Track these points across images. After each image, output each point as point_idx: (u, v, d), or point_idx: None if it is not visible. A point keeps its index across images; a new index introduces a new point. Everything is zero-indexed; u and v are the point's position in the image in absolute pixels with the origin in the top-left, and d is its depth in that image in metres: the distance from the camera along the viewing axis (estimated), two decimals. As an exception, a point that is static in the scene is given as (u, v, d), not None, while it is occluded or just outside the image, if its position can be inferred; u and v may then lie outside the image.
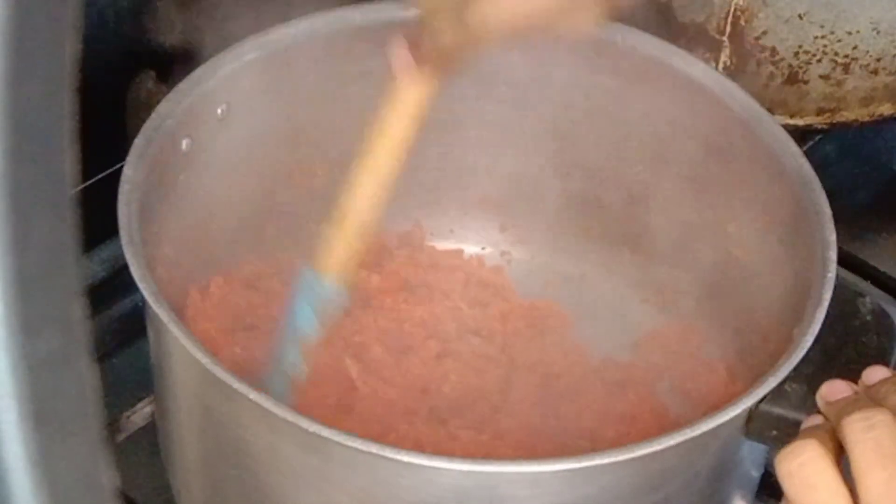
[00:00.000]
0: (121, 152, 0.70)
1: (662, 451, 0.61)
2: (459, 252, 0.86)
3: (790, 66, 0.91)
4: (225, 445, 0.67)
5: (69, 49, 0.31)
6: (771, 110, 0.79)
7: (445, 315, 0.82)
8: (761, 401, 0.65)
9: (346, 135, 0.82)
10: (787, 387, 0.65)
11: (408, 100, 0.67)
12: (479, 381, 0.79)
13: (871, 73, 0.92)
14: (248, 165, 0.79)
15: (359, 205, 0.69)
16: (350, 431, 0.60)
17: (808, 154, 0.75)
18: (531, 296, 0.84)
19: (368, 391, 0.76)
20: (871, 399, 0.62)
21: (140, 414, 0.82)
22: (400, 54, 0.66)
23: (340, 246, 0.70)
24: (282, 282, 0.81)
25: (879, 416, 0.59)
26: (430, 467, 0.61)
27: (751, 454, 0.69)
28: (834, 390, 0.64)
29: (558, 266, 0.86)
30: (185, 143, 0.74)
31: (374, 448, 0.59)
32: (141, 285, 0.64)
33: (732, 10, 0.89)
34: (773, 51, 0.90)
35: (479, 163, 0.86)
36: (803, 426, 0.63)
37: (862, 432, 0.59)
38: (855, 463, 0.58)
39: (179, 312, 0.67)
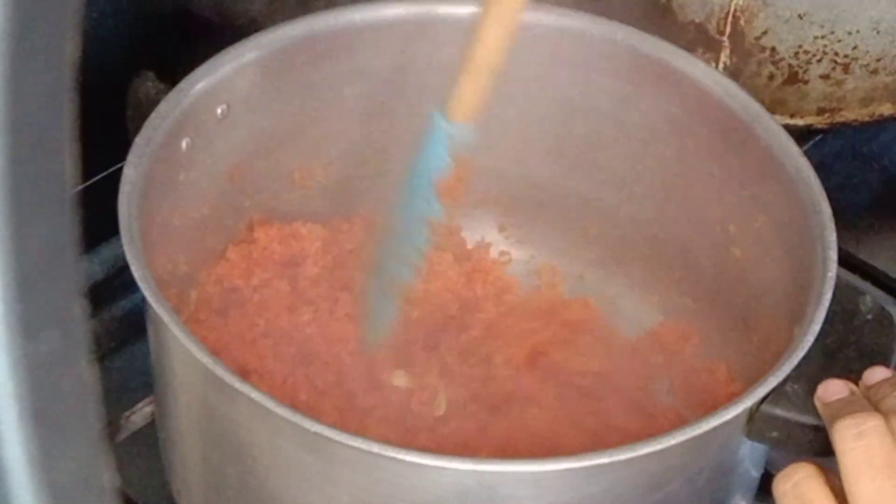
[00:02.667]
0: (121, 152, 0.70)
1: (663, 450, 0.61)
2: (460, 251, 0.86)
3: (790, 66, 0.91)
4: (225, 445, 0.67)
5: (69, 49, 0.31)
6: (771, 110, 0.79)
7: (445, 314, 0.82)
8: (762, 401, 0.65)
9: (345, 135, 0.83)
10: (787, 387, 0.65)
11: None
12: (479, 379, 0.79)
13: (871, 73, 0.92)
14: (248, 165, 0.79)
15: (485, 47, 0.70)
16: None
17: (808, 154, 0.75)
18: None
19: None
20: (869, 400, 0.62)
21: (140, 414, 0.82)
22: None
23: (469, 89, 0.71)
24: (281, 280, 0.81)
25: (870, 423, 0.59)
26: (431, 467, 0.61)
27: (751, 454, 0.69)
28: (830, 391, 0.64)
29: (558, 266, 0.86)
30: (185, 143, 0.74)
31: (375, 448, 0.59)
32: (141, 285, 0.64)
33: (732, 10, 0.89)
34: (773, 51, 0.90)
35: (479, 163, 0.86)
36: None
37: (852, 440, 0.59)
38: (844, 471, 0.58)
39: (179, 312, 0.67)
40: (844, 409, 0.62)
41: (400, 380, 0.77)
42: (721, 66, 0.91)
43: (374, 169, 0.85)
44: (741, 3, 0.89)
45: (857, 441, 0.59)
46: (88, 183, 0.73)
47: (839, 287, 0.68)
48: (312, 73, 0.79)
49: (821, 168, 0.74)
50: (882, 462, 0.58)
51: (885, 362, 0.67)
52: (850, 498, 0.58)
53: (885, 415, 0.60)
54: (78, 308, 0.33)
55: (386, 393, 0.76)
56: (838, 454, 0.59)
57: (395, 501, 0.63)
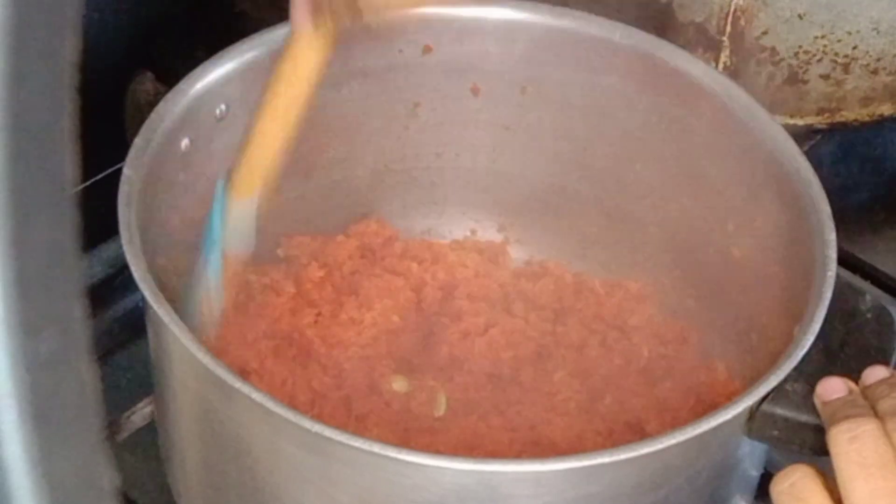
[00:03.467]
0: (121, 152, 0.70)
1: (663, 450, 0.61)
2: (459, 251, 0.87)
3: (790, 66, 0.91)
4: (225, 445, 0.67)
5: (69, 49, 0.31)
6: (771, 110, 0.79)
7: (445, 314, 0.82)
8: (762, 400, 0.65)
9: (345, 134, 0.83)
10: (787, 386, 0.65)
11: (302, 59, 0.69)
12: (479, 379, 0.79)
13: (871, 73, 0.92)
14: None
15: (262, 149, 0.71)
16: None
17: (808, 154, 0.75)
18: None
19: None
20: (867, 399, 0.63)
21: (140, 414, 0.82)
22: (298, 11, 0.67)
23: (251, 165, 0.72)
24: (280, 279, 0.81)
25: (864, 427, 0.60)
26: (431, 466, 0.61)
27: (751, 454, 0.69)
28: (829, 389, 0.64)
29: (558, 266, 0.86)
30: (184, 143, 0.74)
31: (375, 448, 0.59)
32: (141, 285, 0.64)
33: (732, 10, 0.89)
34: (773, 51, 0.90)
35: (479, 163, 0.86)
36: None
37: (846, 444, 0.59)
38: (839, 474, 0.59)
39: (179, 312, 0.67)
40: (842, 409, 0.62)
41: (400, 385, 0.77)
42: (721, 66, 0.91)
43: (373, 169, 0.85)
44: (741, 3, 0.89)
45: (850, 444, 0.59)
46: (88, 183, 0.73)
47: (839, 286, 0.68)
48: (312, 73, 0.79)
49: (821, 168, 0.74)
50: (875, 463, 0.59)
51: (885, 361, 0.67)
52: (845, 499, 0.59)
53: (881, 416, 0.61)
54: (78, 308, 0.33)
55: (385, 398, 0.76)
56: (833, 457, 0.60)
57: (396, 501, 0.63)
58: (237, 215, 0.73)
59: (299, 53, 0.69)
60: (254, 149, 0.71)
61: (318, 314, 0.79)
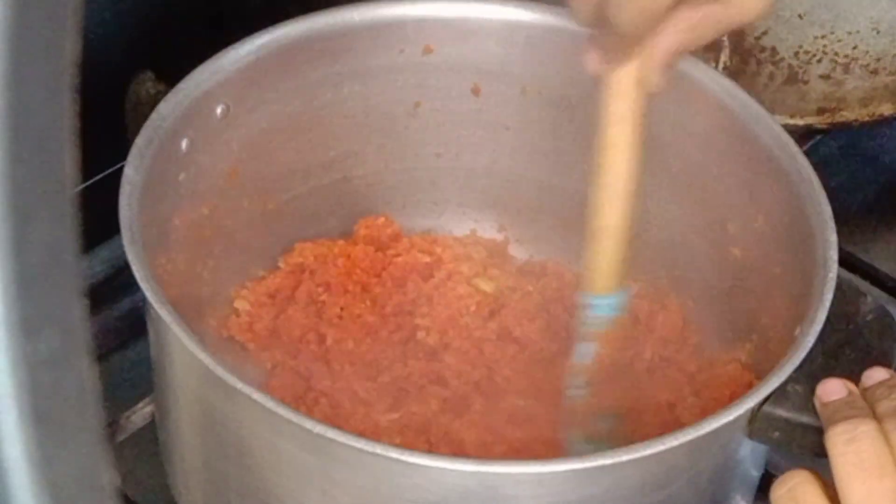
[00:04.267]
0: (121, 152, 0.70)
1: (665, 451, 0.61)
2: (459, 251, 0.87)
3: (790, 66, 0.91)
4: (226, 445, 0.67)
5: (69, 49, 0.31)
6: (771, 110, 0.79)
7: (449, 309, 0.82)
8: (764, 401, 0.65)
9: (345, 134, 0.83)
10: (788, 387, 0.65)
11: (617, 102, 0.68)
12: (480, 379, 0.79)
13: (871, 73, 0.92)
14: (248, 165, 0.79)
15: (609, 218, 0.70)
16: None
17: (808, 154, 0.75)
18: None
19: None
20: (867, 401, 0.63)
21: (140, 414, 0.82)
22: (590, 58, 0.67)
23: (604, 261, 0.71)
24: (282, 282, 0.81)
25: (862, 428, 0.60)
26: (433, 467, 0.61)
27: (752, 455, 0.69)
28: (829, 390, 0.64)
29: (558, 266, 0.86)
30: (184, 143, 0.74)
31: (377, 448, 0.59)
32: (142, 285, 0.64)
33: (732, 9, 0.89)
34: (773, 51, 0.90)
35: (479, 163, 0.86)
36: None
37: (843, 445, 0.60)
38: (836, 476, 0.59)
39: (179, 312, 0.67)
40: (840, 411, 0.62)
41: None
42: (721, 66, 0.91)
43: (374, 169, 0.85)
44: (741, 2, 0.89)
45: (848, 446, 0.59)
46: (88, 183, 0.73)
47: (840, 287, 0.68)
48: (312, 73, 0.79)
49: (821, 168, 0.74)
50: (872, 464, 0.59)
51: (886, 362, 0.67)
52: (842, 501, 0.59)
53: (880, 418, 0.61)
54: (78, 308, 0.33)
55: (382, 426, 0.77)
56: (831, 459, 0.60)
57: (396, 502, 0.63)
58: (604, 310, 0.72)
59: (614, 103, 0.68)
60: (604, 242, 0.70)
61: (327, 315, 0.79)
